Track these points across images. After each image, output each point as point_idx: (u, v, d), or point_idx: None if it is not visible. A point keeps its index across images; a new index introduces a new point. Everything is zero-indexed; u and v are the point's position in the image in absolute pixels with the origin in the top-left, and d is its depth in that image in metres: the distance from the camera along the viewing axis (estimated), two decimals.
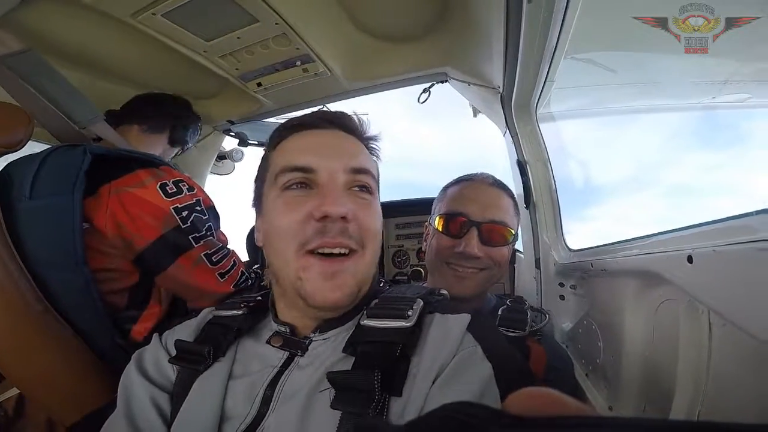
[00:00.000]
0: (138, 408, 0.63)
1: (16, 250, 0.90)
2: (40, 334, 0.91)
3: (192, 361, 0.64)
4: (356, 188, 0.65)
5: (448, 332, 0.59)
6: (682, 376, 0.64)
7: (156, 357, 0.69)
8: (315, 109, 1.65)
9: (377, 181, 0.71)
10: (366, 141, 0.73)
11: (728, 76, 1.18)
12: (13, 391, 0.96)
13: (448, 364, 0.55)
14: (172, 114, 1.39)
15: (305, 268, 0.60)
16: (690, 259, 0.58)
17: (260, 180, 0.72)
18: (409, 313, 0.59)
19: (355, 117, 0.73)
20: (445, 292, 0.74)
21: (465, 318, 0.61)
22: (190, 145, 1.47)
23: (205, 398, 0.60)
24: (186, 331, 0.72)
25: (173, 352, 0.68)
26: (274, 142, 0.72)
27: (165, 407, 0.64)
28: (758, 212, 0.50)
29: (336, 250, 0.60)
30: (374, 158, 0.74)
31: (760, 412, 0.52)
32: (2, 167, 1.01)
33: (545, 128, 1.35)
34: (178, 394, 0.64)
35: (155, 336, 0.73)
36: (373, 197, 0.67)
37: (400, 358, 0.54)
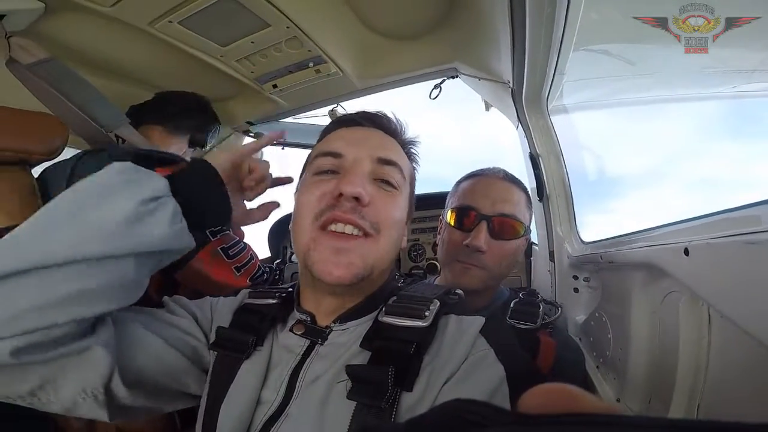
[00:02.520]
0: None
1: None
2: None
3: (234, 348, 0.67)
4: (381, 181, 0.67)
5: (461, 334, 0.61)
6: (682, 368, 0.65)
7: (204, 308, 0.75)
8: (329, 108, 1.70)
9: (407, 181, 0.73)
10: (404, 143, 0.77)
11: (757, 65, 1.14)
12: None
13: (461, 365, 0.57)
14: (195, 116, 1.42)
15: (315, 240, 0.62)
16: (687, 252, 0.58)
17: (302, 172, 0.77)
18: (426, 313, 0.61)
19: (394, 119, 0.77)
20: (460, 292, 0.77)
21: (479, 321, 0.64)
22: (208, 146, 1.52)
23: (246, 386, 0.64)
24: (228, 309, 0.75)
25: (216, 321, 0.73)
26: (320, 137, 0.78)
27: (200, 351, 0.70)
28: (749, 205, 0.50)
29: (347, 229, 0.62)
30: (411, 163, 0.77)
31: (757, 406, 0.52)
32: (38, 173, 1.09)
33: (560, 120, 1.34)
34: (218, 376, 0.67)
35: (207, 299, 0.78)
36: (397, 191, 0.68)
37: (413, 356, 0.57)
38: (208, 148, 1.57)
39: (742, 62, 1.07)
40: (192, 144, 1.44)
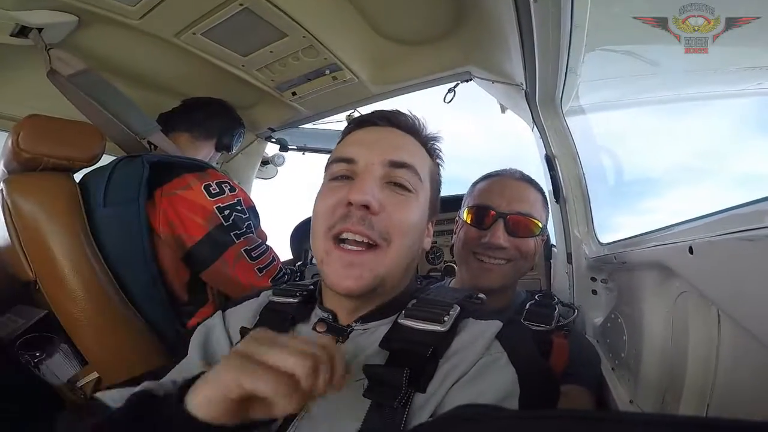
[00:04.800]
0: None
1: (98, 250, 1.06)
2: (117, 322, 1.05)
3: None
4: (394, 184, 0.66)
5: (477, 337, 0.60)
6: (692, 369, 0.64)
7: (219, 337, 0.74)
8: (347, 113, 1.74)
9: (426, 181, 0.71)
10: (424, 140, 0.75)
11: None
12: (93, 376, 1.09)
13: (472, 367, 0.57)
14: (220, 121, 1.49)
15: (328, 252, 0.64)
16: (691, 250, 0.58)
17: (324, 175, 0.76)
18: (446, 318, 0.61)
19: (410, 116, 0.75)
20: (482, 296, 0.76)
21: (496, 324, 0.62)
22: (234, 150, 1.59)
23: None
24: (247, 312, 0.76)
25: (234, 331, 0.73)
26: (340, 138, 0.77)
27: None
28: (753, 202, 0.49)
29: (357, 238, 0.62)
30: (433, 159, 0.76)
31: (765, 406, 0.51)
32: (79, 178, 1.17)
33: (577, 121, 1.33)
34: None
35: (219, 314, 0.78)
36: (412, 194, 0.67)
37: (429, 359, 0.57)
38: (234, 152, 1.65)
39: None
40: (219, 148, 1.51)
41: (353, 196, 0.62)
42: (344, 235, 0.63)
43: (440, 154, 0.78)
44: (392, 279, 0.66)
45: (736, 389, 0.58)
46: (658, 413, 0.65)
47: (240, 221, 1.17)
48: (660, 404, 0.78)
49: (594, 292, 1.25)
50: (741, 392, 0.57)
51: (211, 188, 1.15)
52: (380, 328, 0.66)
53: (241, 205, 1.20)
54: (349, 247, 0.63)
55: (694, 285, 0.60)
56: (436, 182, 0.75)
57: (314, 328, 0.69)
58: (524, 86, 1.21)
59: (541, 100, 1.23)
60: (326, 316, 0.70)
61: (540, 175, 1.37)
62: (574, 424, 0.18)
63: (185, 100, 1.50)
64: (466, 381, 0.56)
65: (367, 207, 0.62)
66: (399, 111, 0.75)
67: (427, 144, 0.75)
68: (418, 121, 0.75)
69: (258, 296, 0.81)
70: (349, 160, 0.67)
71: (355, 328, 0.67)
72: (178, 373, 0.71)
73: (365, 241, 0.63)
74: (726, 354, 0.59)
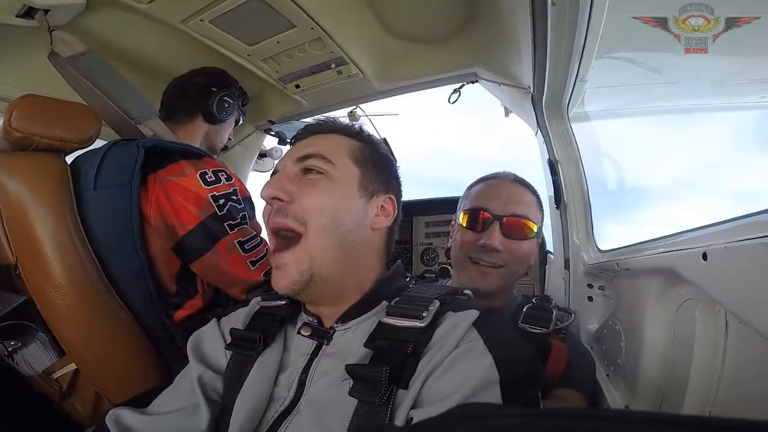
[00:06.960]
0: (185, 385, 0.74)
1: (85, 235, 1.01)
2: (100, 312, 1.00)
3: (246, 347, 0.72)
4: (306, 173, 0.72)
5: (454, 328, 0.61)
6: (695, 376, 0.64)
7: (213, 340, 0.79)
8: (349, 109, 1.73)
9: (338, 160, 0.73)
10: (346, 132, 0.80)
11: None
12: (70, 368, 1.04)
13: (447, 356, 0.58)
14: (197, 97, 1.35)
15: (271, 255, 0.72)
16: (705, 256, 0.58)
17: None
18: (424, 314, 0.62)
19: (328, 119, 0.82)
20: (468, 292, 0.76)
21: (472, 314, 0.63)
22: (225, 116, 1.40)
23: (258, 382, 0.68)
24: (238, 318, 0.80)
25: (228, 338, 0.77)
26: None
27: (213, 386, 0.73)
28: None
29: (280, 234, 0.70)
30: (363, 142, 0.79)
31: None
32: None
33: (581, 127, 1.34)
34: (231, 376, 0.72)
35: (213, 321, 0.82)
36: (322, 175, 0.71)
37: (410, 355, 0.59)
38: (225, 117, 1.42)
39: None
40: (209, 121, 1.38)
41: (261, 194, 0.71)
42: (275, 232, 0.71)
43: (369, 136, 0.82)
44: (325, 263, 0.68)
45: (740, 396, 0.58)
46: (664, 412, 0.65)
47: (235, 211, 1.13)
48: (657, 410, 0.78)
49: (590, 298, 1.26)
50: (746, 399, 0.57)
51: (206, 176, 1.11)
52: (361, 326, 0.69)
53: (237, 195, 1.16)
54: (277, 242, 0.71)
55: (705, 291, 0.60)
56: (365, 159, 0.77)
57: (299, 332, 0.73)
58: (531, 90, 1.21)
59: (548, 105, 1.23)
60: (311, 320, 0.73)
61: (535, 180, 1.37)
62: (576, 421, 0.18)
63: (165, 90, 1.40)
64: (441, 371, 0.57)
65: (276, 198, 0.69)
66: (322, 119, 0.83)
67: (349, 132, 0.80)
68: (334, 121, 0.82)
69: (248, 304, 0.84)
70: (274, 172, 0.77)
71: (336, 329, 0.71)
72: (182, 376, 0.77)
73: (285, 232, 0.69)
74: (732, 361, 0.59)
